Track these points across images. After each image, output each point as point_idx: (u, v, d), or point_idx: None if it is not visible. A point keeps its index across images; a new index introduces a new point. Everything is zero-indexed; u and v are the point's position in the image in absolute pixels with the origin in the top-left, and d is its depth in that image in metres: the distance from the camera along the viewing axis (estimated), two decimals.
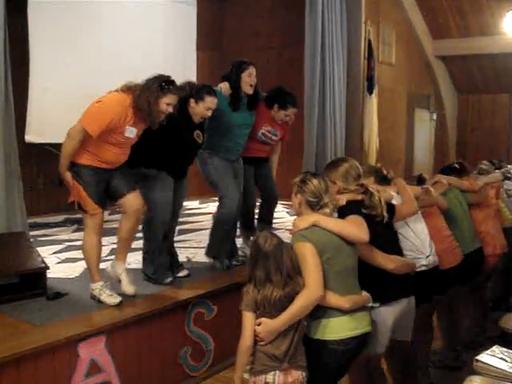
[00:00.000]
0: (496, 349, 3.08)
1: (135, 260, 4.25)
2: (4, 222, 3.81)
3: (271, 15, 8.32)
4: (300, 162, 6.63)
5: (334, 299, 2.51)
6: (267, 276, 2.44)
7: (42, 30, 5.96)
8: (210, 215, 5.85)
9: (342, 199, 2.78)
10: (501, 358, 2.96)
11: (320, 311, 2.51)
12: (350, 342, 2.51)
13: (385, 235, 2.89)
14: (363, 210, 2.75)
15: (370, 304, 2.66)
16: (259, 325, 2.41)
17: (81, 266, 4.11)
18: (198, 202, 8.13)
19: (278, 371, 2.42)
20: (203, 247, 4.87)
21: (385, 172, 3.35)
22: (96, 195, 3.31)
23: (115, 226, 4.16)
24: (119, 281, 3.52)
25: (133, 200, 3.44)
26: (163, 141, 3.64)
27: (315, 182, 2.60)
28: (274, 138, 4.56)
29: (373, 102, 7.29)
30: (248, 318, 2.44)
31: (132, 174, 3.58)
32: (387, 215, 2.84)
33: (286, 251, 2.50)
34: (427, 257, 3.21)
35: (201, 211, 7.32)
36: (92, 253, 3.41)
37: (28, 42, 5.84)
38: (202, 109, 3.74)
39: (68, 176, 3.26)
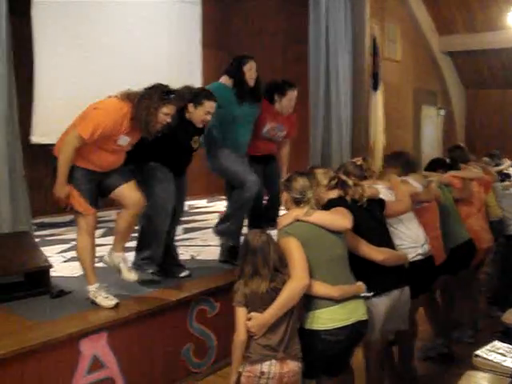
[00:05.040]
0: (496, 344, 3.08)
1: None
2: (9, 221, 3.88)
3: (276, 13, 8.35)
4: (306, 159, 6.64)
5: (324, 289, 2.57)
6: (255, 270, 2.52)
7: (46, 33, 6.04)
8: (218, 214, 5.89)
9: (323, 199, 2.88)
10: (501, 354, 2.96)
11: (312, 302, 2.58)
12: (340, 331, 2.56)
13: (376, 228, 2.96)
14: (346, 197, 2.88)
15: (363, 294, 2.69)
16: (250, 320, 2.46)
17: None
18: (205, 200, 8.17)
19: (274, 360, 2.48)
20: (208, 245, 4.91)
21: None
22: (88, 195, 3.26)
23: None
24: (119, 270, 3.47)
25: (128, 191, 3.35)
26: (159, 147, 3.60)
27: (300, 180, 2.73)
28: (279, 133, 4.58)
29: (378, 99, 7.30)
30: (240, 313, 2.52)
31: (128, 170, 3.54)
32: (368, 203, 2.95)
33: (274, 247, 2.59)
34: (422, 245, 3.26)
35: (208, 210, 7.35)
36: (86, 254, 3.36)
37: (33, 45, 5.92)
38: (201, 113, 3.70)
39: (66, 189, 3.19)
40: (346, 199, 2.87)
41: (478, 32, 8.80)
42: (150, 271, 3.81)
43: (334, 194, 2.92)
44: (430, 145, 9.55)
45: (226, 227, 4.35)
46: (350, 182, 2.93)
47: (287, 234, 2.61)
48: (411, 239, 3.24)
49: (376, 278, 2.81)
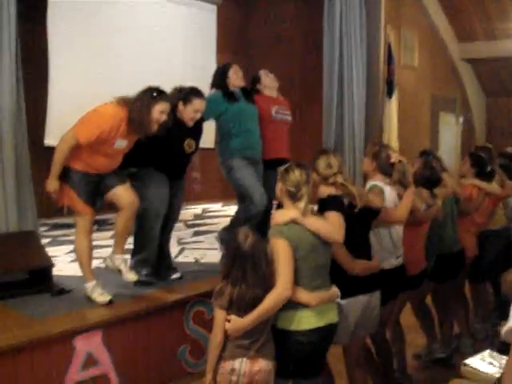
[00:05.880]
0: (486, 353, 3.07)
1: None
2: (15, 221, 3.99)
3: (294, 20, 8.39)
4: None
5: (303, 296, 2.58)
6: (244, 276, 2.52)
7: (62, 37, 6.21)
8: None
9: (324, 192, 2.85)
10: (489, 363, 2.95)
11: (287, 303, 2.56)
12: (312, 333, 2.58)
13: (359, 235, 2.95)
14: (345, 200, 2.82)
15: (337, 300, 2.73)
16: (229, 321, 2.50)
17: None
18: (220, 204, 8.25)
19: (245, 358, 2.52)
20: (214, 249, 4.96)
21: (393, 164, 3.34)
22: (86, 196, 3.36)
23: None
24: (119, 271, 3.56)
25: (122, 192, 3.46)
26: (154, 151, 3.66)
27: (297, 172, 2.64)
28: (286, 112, 4.71)
29: (392, 106, 7.26)
30: (220, 315, 2.55)
31: (124, 173, 3.63)
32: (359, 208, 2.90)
33: (264, 251, 2.57)
34: (397, 257, 3.28)
35: (221, 214, 7.42)
36: (83, 253, 3.46)
37: (48, 48, 6.09)
38: (190, 111, 3.76)
39: (55, 184, 3.29)
40: (343, 201, 2.83)
41: (498, 39, 8.70)
42: (144, 273, 3.88)
43: (331, 190, 2.86)
44: (449, 152, 9.45)
45: (228, 236, 4.36)
46: (349, 186, 2.87)
47: (280, 235, 2.56)
48: (387, 251, 3.25)
49: (346, 281, 2.83)
